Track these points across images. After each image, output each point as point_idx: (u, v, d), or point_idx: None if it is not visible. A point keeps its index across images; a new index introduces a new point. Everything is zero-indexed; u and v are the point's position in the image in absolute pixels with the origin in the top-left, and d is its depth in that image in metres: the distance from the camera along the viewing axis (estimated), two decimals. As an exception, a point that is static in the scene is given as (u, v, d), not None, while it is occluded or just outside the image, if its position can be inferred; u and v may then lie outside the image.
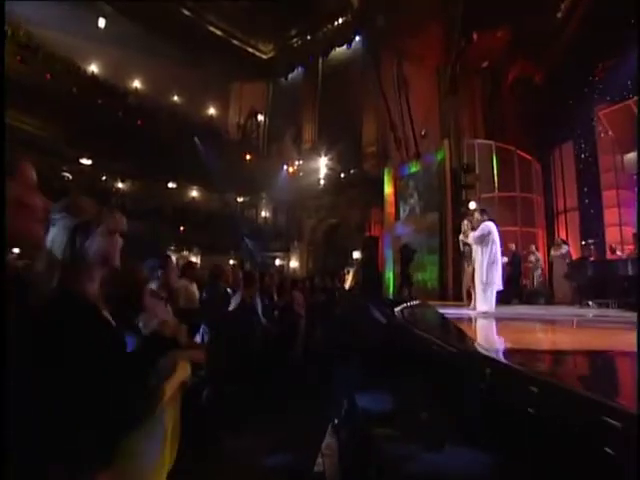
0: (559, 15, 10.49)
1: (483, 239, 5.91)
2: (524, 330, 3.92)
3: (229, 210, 20.79)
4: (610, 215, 10.37)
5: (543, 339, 3.18)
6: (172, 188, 19.78)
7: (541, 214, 11.63)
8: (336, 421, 3.50)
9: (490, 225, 5.93)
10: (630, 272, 6.92)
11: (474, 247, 6.19)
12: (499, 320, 4.78)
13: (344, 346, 4.29)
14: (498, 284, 5.79)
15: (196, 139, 18.30)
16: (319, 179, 19.11)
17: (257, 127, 23.00)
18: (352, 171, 18.24)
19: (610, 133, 10.41)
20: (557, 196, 11.82)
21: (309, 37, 20.00)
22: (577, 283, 7.88)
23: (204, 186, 20.14)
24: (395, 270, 12.85)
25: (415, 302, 8.06)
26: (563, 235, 11.45)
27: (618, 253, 9.46)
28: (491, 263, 5.81)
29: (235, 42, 20.57)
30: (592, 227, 10.56)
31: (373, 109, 17.31)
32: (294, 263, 20.15)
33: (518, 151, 11.53)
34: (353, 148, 18.16)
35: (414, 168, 13.39)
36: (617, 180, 10.43)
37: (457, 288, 10.81)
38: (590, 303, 7.41)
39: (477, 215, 6.11)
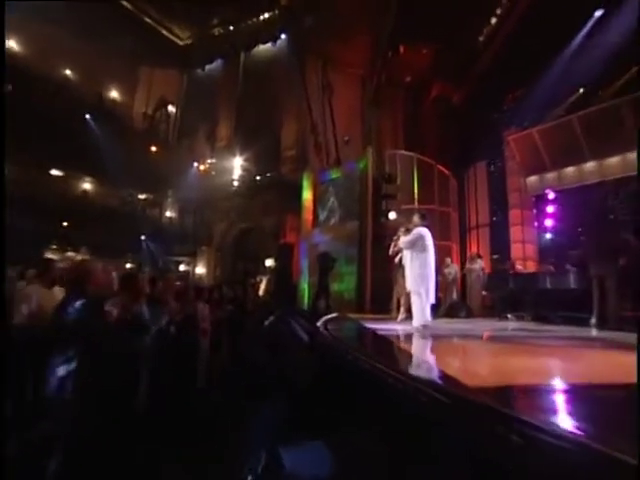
0: (481, 39, 10.90)
1: (414, 243, 5.40)
2: (493, 353, 3.38)
3: (129, 207, 18.42)
4: (515, 232, 10.94)
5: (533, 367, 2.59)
6: (56, 176, 16.87)
7: (456, 228, 11.93)
8: (250, 478, 2.55)
9: (423, 230, 5.45)
10: (548, 285, 7.09)
11: (405, 253, 5.69)
12: (445, 337, 4.23)
13: (261, 373, 3.35)
14: (432, 298, 5.34)
15: (91, 121, 15.87)
16: (232, 180, 17.84)
17: (167, 118, 20.96)
18: (269, 174, 17.32)
19: (517, 157, 11.04)
20: (470, 212, 12.24)
21: (232, 28, 18.80)
22: (498, 295, 7.94)
23: (99, 177, 17.55)
24: (310, 280, 12.20)
25: (333, 315, 7.45)
26: (474, 250, 11.86)
27: (519, 267, 9.93)
28: (425, 272, 5.35)
29: (148, 20, 18.52)
30: (500, 243, 11.05)
31: (294, 111, 16.69)
32: (200, 269, 18.47)
33: (438, 166, 11.71)
34: (271, 150, 17.29)
35: (335, 174, 12.95)
36: (521, 201, 11.08)
37: (376, 300, 10.49)
38: (509, 316, 7.49)
39: (416, 219, 5.62)
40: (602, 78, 9.13)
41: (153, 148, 18.68)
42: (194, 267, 18.62)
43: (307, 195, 13.78)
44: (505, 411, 1.31)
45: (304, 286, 12.63)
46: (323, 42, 13.83)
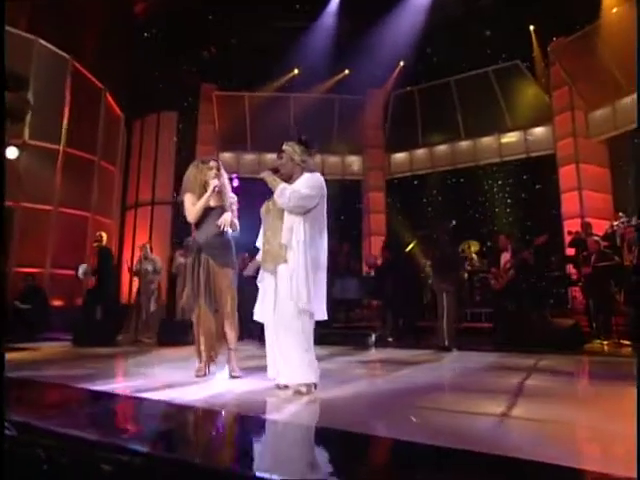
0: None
1: (315, 201, 2.26)
2: None
3: None
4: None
5: None
6: None
7: (118, 200, 7.84)
8: None
9: (321, 178, 2.35)
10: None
11: (290, 220, 2.25)
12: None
13: None
14: (323, 311, 2.35)
15: None
16: None
17: None
18: None
19: (216, 122, 8.68)
20: (142, 181, 8.29)
21: None
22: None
23: None
24: None
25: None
26: (129, 234, 8.26)
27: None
28: (321, 271, 2.34)
29: None
30: (182, 232, 8.13)
31: None
32: None
33: (107, 94, 7.28)
34: None
35: None
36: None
37: None
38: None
39: (297, 149, 2.33)
40: (323, 68, 8.60)
41: None
42: None
43: None
44: None
45: None
46: None
